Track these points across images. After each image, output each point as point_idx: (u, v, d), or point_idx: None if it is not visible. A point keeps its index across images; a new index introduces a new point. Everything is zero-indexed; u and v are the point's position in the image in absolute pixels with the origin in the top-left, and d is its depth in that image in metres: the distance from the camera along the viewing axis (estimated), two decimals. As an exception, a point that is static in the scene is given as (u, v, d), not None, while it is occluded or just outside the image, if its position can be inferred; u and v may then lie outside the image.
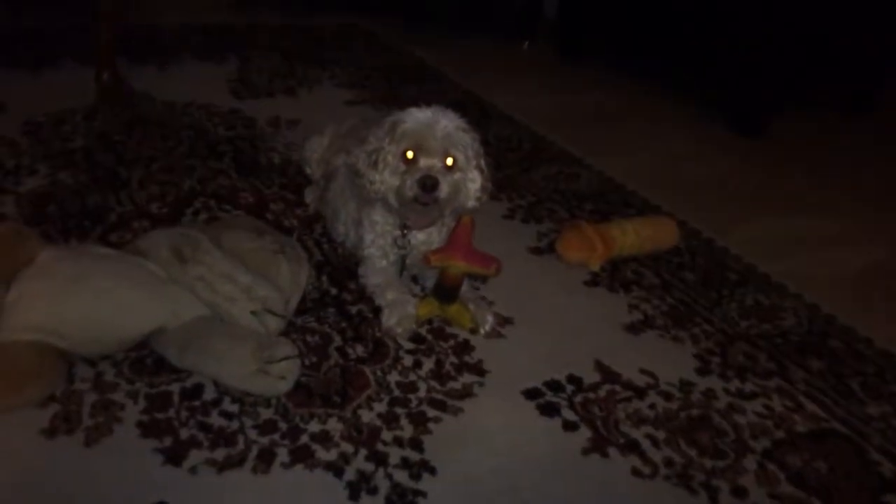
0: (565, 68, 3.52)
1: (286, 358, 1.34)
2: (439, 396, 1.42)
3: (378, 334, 1.56)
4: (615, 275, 1.90)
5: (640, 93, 3.28)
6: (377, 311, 1.61)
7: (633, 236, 1.93)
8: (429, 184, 1.50)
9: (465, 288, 1.64)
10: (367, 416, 1.35)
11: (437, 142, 1.53)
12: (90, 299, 1.29)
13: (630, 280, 1.89)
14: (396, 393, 1.41)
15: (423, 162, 1.53)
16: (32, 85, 2.49)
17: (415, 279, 1.75)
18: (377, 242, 1.64)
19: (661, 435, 1.41)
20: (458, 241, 1.51)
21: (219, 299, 1.36)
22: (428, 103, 1.59)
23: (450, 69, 3.21)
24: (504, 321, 1.66)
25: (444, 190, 1.52)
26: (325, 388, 1.40)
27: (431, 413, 1.38)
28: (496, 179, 2.24)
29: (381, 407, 1.38)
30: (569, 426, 1.40)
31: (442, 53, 3.37)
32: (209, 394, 1.34)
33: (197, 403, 1.32)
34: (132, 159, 2.08)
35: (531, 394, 1.46)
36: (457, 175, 1.56)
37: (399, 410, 1.37)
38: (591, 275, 1.88)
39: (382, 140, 1.55)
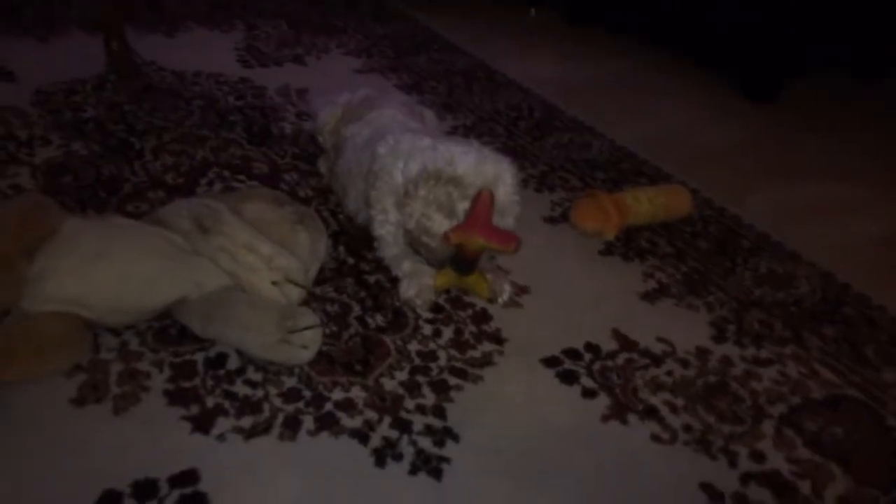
0: (573, 35, 3.48)
1: (309, 327, 1.35)
2: (459, 365, 1.43)
3: (397, 304, 1.57)
4: (629, 244, 1.91)
5: (650, 59, 3.25)
6: (395, 280, 1.62)
7: (647, 205, 1.93)
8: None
9: (481, 258, 1.65)
10: (389, 385, 1.37)
11: (509, 220, 1.59)
12: (114, 271, 1.29)
13: (644, 249, 1.90)
14: (417, 361, 1.43)
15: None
16: (41, 54, 2.47)
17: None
18: (388, 228, 1.64)
19: (679, 401, 1.42)
20: (478, 217, 1.49)
21: (240, 269, 1.37)
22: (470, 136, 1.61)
23: (457, 36, 3.17)
24: (521, 290, 1.67)
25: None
26: (347, 356, 1.41)
27: (452, 381, 1.39)
28: (508, 149, 2.25)
29: (402, 375, 1.39)
30: (588, 393, 1.42)
31: (449, 20, 3.33)
32: (233, 363, 1.36)
33: (221, 373, 1.33)
34: (144, 129, 2.07)
35: (550, 362, 1.48)
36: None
37: (421, 379, 1.39)
38: (605, 244, 1.89)
39: (417, 186, 1.54)
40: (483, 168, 1.54)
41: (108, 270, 1.29)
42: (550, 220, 1.97)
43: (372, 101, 1.88)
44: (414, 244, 1.61)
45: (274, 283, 1.39)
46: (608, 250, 1.88)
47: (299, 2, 3.33)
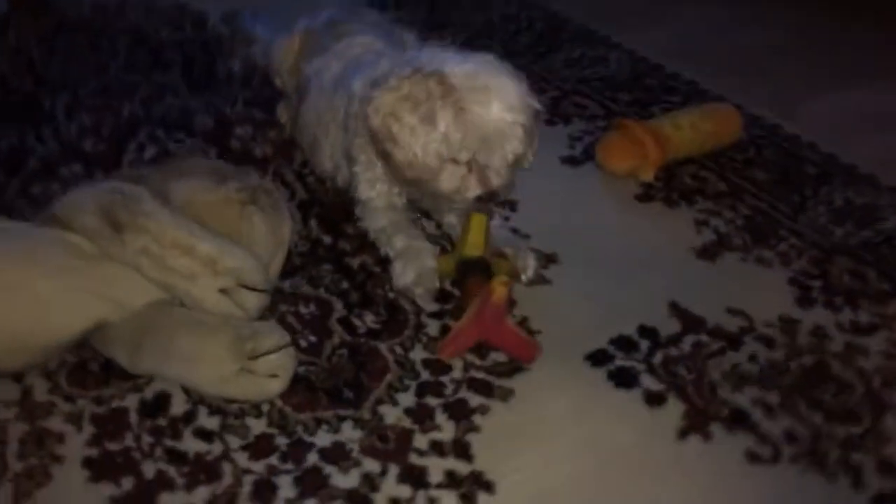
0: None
1: (276, 349, 0.99)
2: (481, 375, 1.08)
3: (391, 295, 1.21)
4: (671, 183, 1.54)
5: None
6: (385, 262, 1.25)
7: (689, 132, 1.55)
8: (489, 198, 1.19)
9: (495, 223, 1.28)
10: (391, 415, 1.02)
11: (507, 153, 1.16)
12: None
13: (691, 188, 1.53)
14: (425, 376, 1.08)
15: (486, 175, 1.17)
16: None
17: (427, 214, 1.38)
18: (378, 187, 1.26)
19: (772, 398, 1.09)
20: (487, 319, 1.08)
21: (173, 278, 1.00)
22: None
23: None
24: (547, 260, 1.31)
25: (503, 193, 1.22)
26: (332, 379, 1.06)
27: (475, 401, 1.04)
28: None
29: (407, 398, 1.04)
30: (653, 399, 1.07)
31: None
32: (178, 405, 1.00)
33: (163, 423, 0.98)
34: (56, 82, 1.65)
35: (597, 358, 1.13)
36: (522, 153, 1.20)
37: (432, 401, 1.04)
38: (643, 186, 1.52)
39: (426, 120, 1.14)
40: (475, 70, 1.16)
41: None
42: (570, 161, 1.59)
43: (338, 28, 1.46)
44: (377, 156, 1.23)
45: (222, 290, 1.02)
46: (647, 194, 1.51)
47: None
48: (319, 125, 1.37)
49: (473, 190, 1.17)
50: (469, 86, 1.14)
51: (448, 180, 1.18)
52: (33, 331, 0.96)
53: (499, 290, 1.05)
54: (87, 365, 1.03)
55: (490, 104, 1.13)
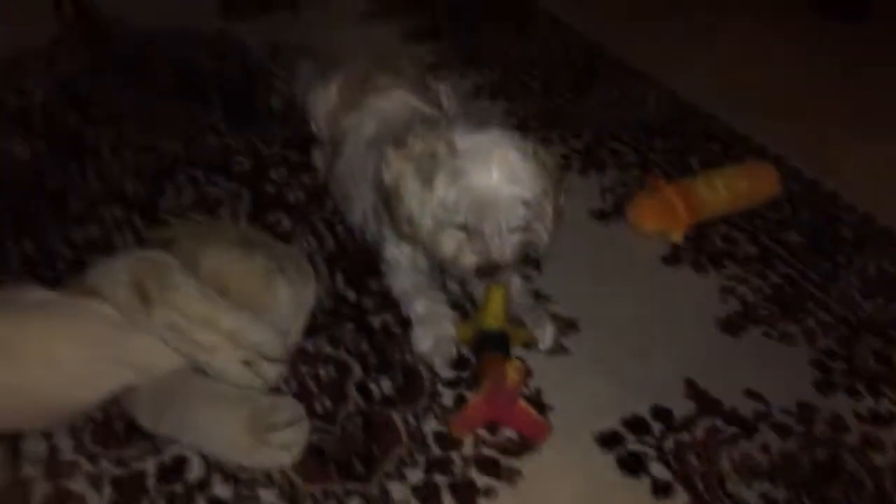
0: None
1: (290, 424, 1.02)
2: (490, 452, 1.10)
3: (408, 359, 1.23)
4: (701, 244, 1.52)
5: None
6: (405, 322, 1.27)
7: (724, 193, 1.53)
8: (490, 272, 1.19)
9: (516, 290, 1.29)
10: (399, 492, 1.04)
11: (502, 215, 1.16)
12: (28, 369, 0.97)
13: (720, 251, 1.51)
14: (435, 450, 1.10)
15: (483, 242, 1.17)
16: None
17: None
18: (403, 247, 1.28)
19: (780, 493, 1.08)
20: (499, 401, 1.10)
21: (196, 350, 1.04)
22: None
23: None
24: (567, 326, 1.31)
25: (509, 268, 1.21)
26: (344, 449, 1.09)
27: (481, 481, 1.06)
28: (545, 112, 1.85)
29: (416, 475, 1.07)
30: (661, 490, 1.08)
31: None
32: (194, 470, 1.04)
33: (178, 488, 1.02)
34: (102, 116, 1.70)
35: (607, 440, 1.14)
36: (525, 235, 1.22)
37: (440, 479, 1.06)
38: (671, 247, 1.51)
39: (427, 184, 1.17)
40: (484, 139, 1.18)
41: (18, 369, 0.97)
42: (600, 215, 1.59)
43: (374, 80, 1.48)
44: (384, 210, 1.28)
45: (243, 362, 1.05)
46: (675, 256, 1.50)
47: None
48: (352, 181, 1.40)
49: (470, 258, 1.18)
50: (473, 152, 1.17)
51: (447, 245, 1.20)
52: (64, 396, 1.01)
53: (512, 376, 1.07)
54: (112, 423, 1.08)
55: (489, 172, 1.15)
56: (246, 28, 2.11)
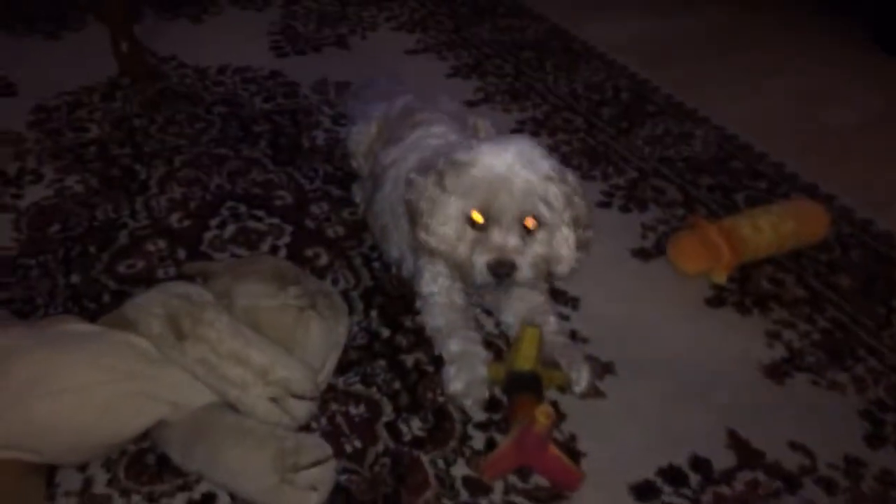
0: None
1: (317, 463, 1.02)
2: (520, 500, 1.08)
3: (440, 398, 1.22)
4: (746, 286, 1.48)
5: (758, 3, 2.69)
6: (438, 360, 1.26)
7: (769, 234, 1.48)
8: (503, 271, 1.16)
9: (551, 329, 1.27)
10: (425, 539, 1.03)
11: (515, 201, 1.15)
12: (62, 403, 0.99)
13: (766, 293, 1.47)
14: (464, 495, 1.08)
15: (496, 236, 1.17)
16: (47, 55, 2.15)
17: (487, 311, 1.38)
18: (440, 282, 1.28)
19: (826, 556, 1.03)
20: (529, 447, 1.07)
21: (227, 386, 1.05)
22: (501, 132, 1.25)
23: (528, -4, 2.70)
24: (603, 370, 1.28)
25: (523, 271, 1.17)
26: (372, 491, 1.08)
27: (512, 531, 1.04)
28: (587, 148, 1.84)
29: (444, 521, 1.05)
30: (696, 546, 1.04)
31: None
32: (223, 507, 1.05)
33: (207, 528, 1.03)
34: (153, 152, 1.76)
35: (643, 490, 1.10)
36: (540, 240, 1.20)
37: (468, 527, 1.05)
38: (714, 288, 1.47)
39: (440, 185, 1.19)
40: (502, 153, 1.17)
41: (53, 402, 0.99)
42: (641, 254, 1.56)
43: (414, 115, 1.49)
44: (411, 229, 1.29)
45: (272, 399, 1.06)
46: (719, 298, 1.46)
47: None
48: (393, 215, 1.40)
49: (483, 254, 1.17)
50: (489, 144, 1.19)
51: (463, 247, 1.20)
52: (99, 431, 1.02)
53: (542, 420, 1.04)
54: (145, 457, 1.10)
55: (503, 156, 1.16)
56: (296, 63, 2.17)
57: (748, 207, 1.63)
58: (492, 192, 1.15)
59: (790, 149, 1.89)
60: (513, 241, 1.16)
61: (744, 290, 1.47)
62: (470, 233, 1.19)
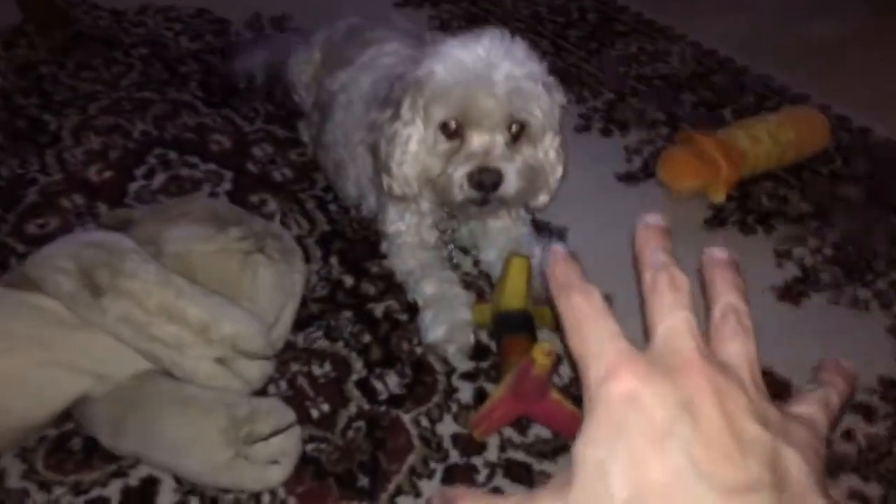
0: None
1: (277, 432, 0.85)
2: (520, 456, 0.92)
3: (418, 350, 1.05)
4: (746, 204, 1.34)
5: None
6: (412, 308, 1.09)
7: (768, 144, 1.34)
8: (488, 181, 0.95)
9: (539, 262, 1.11)
10: (412, 509, 0.87)
11: (499, 102, 0.95)
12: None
13: (769, 210, 1.33)
14: (453, 457, 0.92)
15: (477, 140, 0.96)
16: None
17: (464, 250, 1.21)
18: (407, 219, 1.11)
19: (872, 489, 0.89)
20: (527, 393, 0.90)
21: (160, 348, 0.86)
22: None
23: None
24: (600, 303, 1.13)
25: (511, 184, 0.97)
26: (346, 461, 0.91)
27: (511, 491, 0.88)
28: (557, 72, 1.67)
29: (432, 487, 0.89)
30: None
31: None
32: (166, 494, 0.87)
33: (148, 518, 0.85)
34: (64, 100, 1.53)
35: (660, 433, 0.95)
36: (527, 152, 1.01)
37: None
38: (713, 208, 1.32)
39: (399, 116, 0.99)
40: (476, 47, 0.96)
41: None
42: (627, 178, 1.40)
43: (363, 36, 1.30)
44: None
45: (218, 360, 0.87)
46: (718, 217, 1.31)
47: None
48: (347, 146, 1.21)
49: (459, 166, 0.96)
50: (454, 47, 0.98)
51: (434, 160, 1.00)
52: (6, 413, 0.83)
53: (541, 361, 0.87)
54: (68, 442, 0.91)
55: (475, 49, 0.96)
56: (228, 2, 1.94)
57: (740, 120, 1.48)
58: (468, 95, 0.95)
59: (777, 65, 1.74)
60: (497, 147, 0.98)
61: (744, 208, 1.33)
62: (443, 144, 1.00)
